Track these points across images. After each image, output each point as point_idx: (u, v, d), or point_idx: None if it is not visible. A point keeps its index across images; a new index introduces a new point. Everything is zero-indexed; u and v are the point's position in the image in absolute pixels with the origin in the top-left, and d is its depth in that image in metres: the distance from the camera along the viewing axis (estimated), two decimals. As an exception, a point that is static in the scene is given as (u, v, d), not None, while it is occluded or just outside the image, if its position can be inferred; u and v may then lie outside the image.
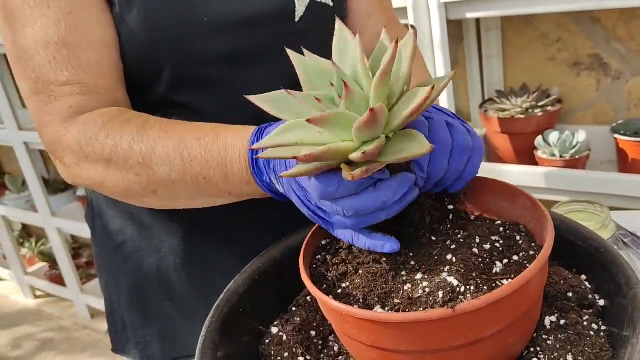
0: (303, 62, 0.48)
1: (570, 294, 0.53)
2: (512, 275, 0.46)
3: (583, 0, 1.14)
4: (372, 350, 0.47)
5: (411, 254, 0.50)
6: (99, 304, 2.42)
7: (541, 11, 1.21)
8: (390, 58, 0.42)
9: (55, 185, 2.66)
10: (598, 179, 1.25)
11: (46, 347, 2.45)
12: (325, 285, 0.51)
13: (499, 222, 0.54)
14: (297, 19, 0.71)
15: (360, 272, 0.50)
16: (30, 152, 2.32)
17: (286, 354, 0.55)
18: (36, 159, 2.44)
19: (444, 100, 1.39)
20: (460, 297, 0.44)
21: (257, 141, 0.54)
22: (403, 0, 1.33)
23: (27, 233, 3.10)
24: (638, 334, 0.45)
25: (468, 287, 0.45)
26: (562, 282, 0.54)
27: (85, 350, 2.40)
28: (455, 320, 0.42)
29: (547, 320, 0.51)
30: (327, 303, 0.46)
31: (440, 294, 0.45)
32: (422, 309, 0.44)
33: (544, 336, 0.49)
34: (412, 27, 0.46)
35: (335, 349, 0.55)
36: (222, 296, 0.58)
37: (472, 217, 0.57)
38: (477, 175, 0.54)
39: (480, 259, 0.48)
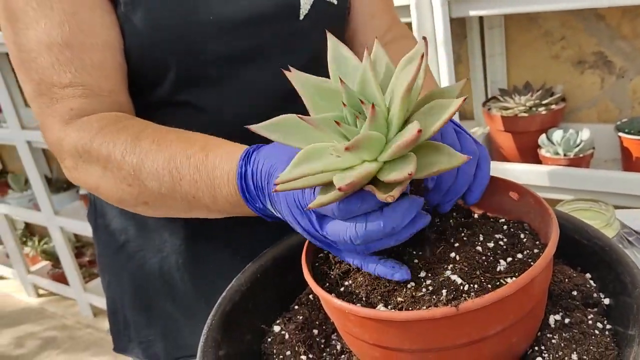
0: (301, 80, 0.46)
1: (574, 293, 0.53)
2: (516, 274, 0.46)
3: (587, -2, 1.14)
4: (375, 348, 0.46)
5: (414, 252, 0.50)
6: (102, 303, 2.43)
7: (545, 9, 1.21)
8: (415, 73, 0.41)
9: (57, 184, 2.66)
10: (602, 177, 1.25)
11: (49, 346, 2.46)
12: (327, 283, 0.51)
13: (503, 220, 0.54)
14: (301, 17, 0.71)
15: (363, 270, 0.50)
16: (32, 151, 2.33)
17: (288, 353, 0.54)
18: (39, 158, 2.44)
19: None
20: (463, 295, 0.44)
21: (246, 165, 0.52)
22: (406, -2, 1.32)
23: (30, 232, 3.11)
24: (644, 332, 0.45)
25: (472, 285, 0.45)
26: (566, 280, 0.53)
27: (87, 348, 2.40)
28: (459, 318, 0.41)
29: (552, 319, 0.50)
30: (329, 301, 0.46)
31: (444, 292, 0.44)
32: (425, 307, 0.44)
33: (548, 335, 0.49)
34: (424, 38, 0.44)
35: (338, 347, 0.55)
36: (224, 294, 0.58)
37: (476, 215, 0.57)
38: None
39: (484, 257, 0.48)
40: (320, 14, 0.72)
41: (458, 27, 1.56)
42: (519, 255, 0.48)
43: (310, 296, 0.62)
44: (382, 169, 0.43)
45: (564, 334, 0.49)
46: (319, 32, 0.71)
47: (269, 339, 0.57)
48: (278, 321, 0.59)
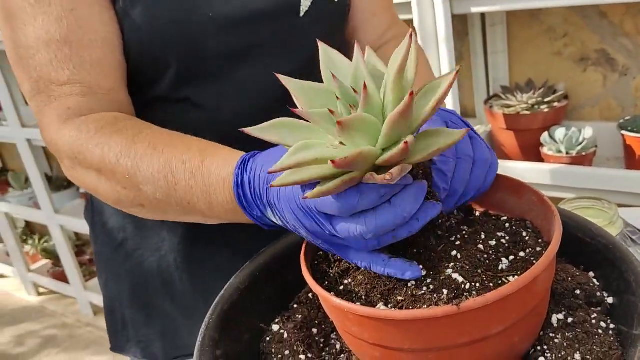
0: (295, 84, 0.45)
1: (578, 292, 0.52)
2: (519, 272, 0.45)
3: (590, -6, 1.13)
4: (375, 348, 0.46)
5: (415, 250, 0.49)
6: (102, 302, 2.42)
7: (547, 5, 1.20)
8: (405, 53, 0.40)
9: (58, 182, 2.66)
10: (605, 175, 1.24)
11: (49, 345, 2.46)
12: (327, 282, 0.51)
13: (505, 217, 0.54)
14: (301, 15, 0.70)
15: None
16: (33, 149, 2.33)
17: (287, 352, 0.54)
18: (39, 156, 2.44)
19: (448, 96, 1.38)
20: (465, 294, 0.43)
21: (242, 173, 0.51)
22: (407, -5, 1.32)
23: (31, 230, 3.11)
24: (648, 332, 0.44)
25: (473, 284, 0.44)
26: (569, 279, 0.53)
27: (88, 347, 2.40)
28: (460, 317, 0.41)
29: (554, 318, 0.50)
30: (328, 300, 0.46)
31: (445, 291, 0.44)
32: (426, 306, 0.43)
33: (551, 334, 0.48)
34: (413, 27, 0.44)
35: (337, 347, 0.55)
36: (222, 293, 0.57)
37: (477, 213, 0.56)
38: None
39: (485, 256, 0.48)
40: (320, 11, 0.72)
41: (460, 24, 1.55)
42: (522, 254, 0.48)
43: (310, 295, 0.61)
44: (381, 156, 0.42)
45: (566, 334, 0.48)
46: (319, 29, 0.71)
47: (268, 338, 0.57)
48: (277, 320, 0.59)
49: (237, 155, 0.54)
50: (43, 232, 2.97)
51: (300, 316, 0.57)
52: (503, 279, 0.45)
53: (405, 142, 0.39)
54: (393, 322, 0.42)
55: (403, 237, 0.45)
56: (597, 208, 0.79)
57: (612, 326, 0.50)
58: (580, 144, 1.35)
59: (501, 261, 0.47)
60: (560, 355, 0.46)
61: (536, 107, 1.43)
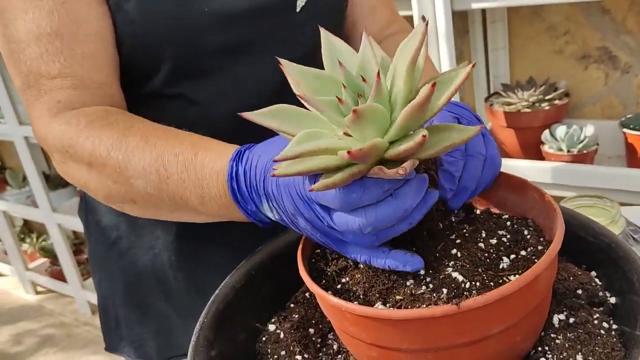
0: (296, 70, 0.44)
1: (579, 291, 0.52)
2: (520, 271, 0.45)
3: (592, -9, 1.13)
4: (372, 348, 0.45)
5: (414, 248, 0.48)
6: (100, 300, 2.42)
7: (549, 2, 1.20)
8: (418, 45, 0.39)
9: (56, 181, 2.66)
10: (606, 174, 1.24)
11: (47, 343, 2.46)
12: (324, 281, 0.50)
13: (506, 216, 0.53)
14: (298, 10, 0.70)
15: (361, 266, 0.49)
16: (30, 147, 2.32)
17: (283, 352, 0.53)
18: (37, 154, 2.43)
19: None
20: (465, 293, 0.43)
21: (237, 165, 0.50)
22: (407, -9, 1.31)
23: (28, 228, 3.11)
24: (653, 333, 0.43)
25: (473, 283, 0.44)
26: (571, 278, 0.52)
27: (85, 346, 2.40)
28: (460, 317, 0.40)
29: (556, 319, 0.49)
30: (325, 299, 0.45)
31: (445, 290, 0.43)
32: (425, 305, 0.43)
33: (552, 335, 0.48)
34: (423, 17, 0.42)
35: (334, 347, 0.54)
36: (217, 292, 0.57)
37: (478, 211, 0.55)
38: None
39: (486, 254, 0.47)
40: (317, 7, 0.71)
41: (460, 20, 1.55)
42: (523, 252, 0.47)
43: (307, 294, 0.61)
44: (389, 148, 0.40)
45: (568, 334, 0.47)
46: (314, 24, 0.70)
47: (264, 338, 0.56)
48: (273, 320, 0.58)
49: (232, 148, 0.53)
50: (41, 231, 2.97)
51: (297, 316, 0.57)
52: (504, 278, 0.44)
53: (423, 136, 0.38)
54: (391, 322, 0.42)
55: (403, 230, 0.44)
56: (599, 206, 0.78)
57: (614, 327, 0.49)
58: (582, 142, 1.35)
59: (502, 260, 0.46)
60: (561, 357, 0.46)
61: (537, 104, 1.43)
